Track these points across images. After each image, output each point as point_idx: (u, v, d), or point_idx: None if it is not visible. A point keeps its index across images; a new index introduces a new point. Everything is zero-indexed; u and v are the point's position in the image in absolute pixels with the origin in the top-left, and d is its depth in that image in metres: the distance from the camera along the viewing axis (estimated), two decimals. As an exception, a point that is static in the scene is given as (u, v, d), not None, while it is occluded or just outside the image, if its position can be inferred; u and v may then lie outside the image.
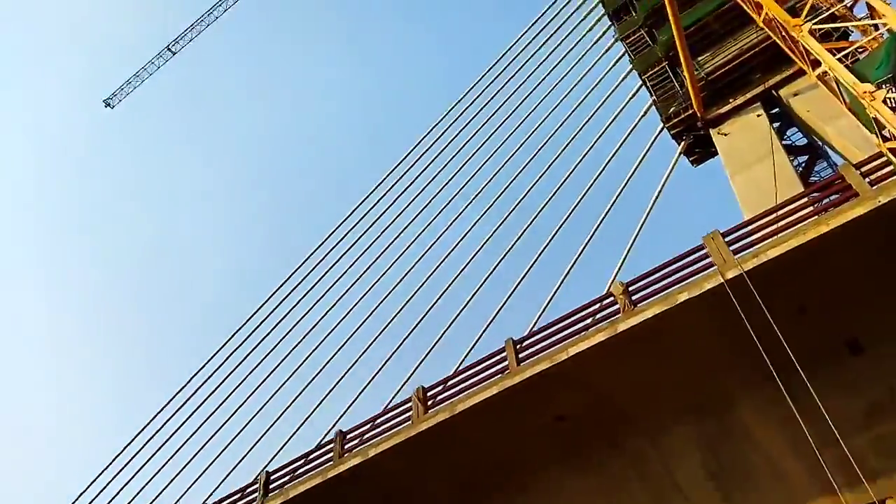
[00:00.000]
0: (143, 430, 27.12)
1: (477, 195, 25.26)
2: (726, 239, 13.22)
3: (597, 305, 14.34)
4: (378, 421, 16.93)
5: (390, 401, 18.20)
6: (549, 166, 24.17)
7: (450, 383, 15.72)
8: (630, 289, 13.72)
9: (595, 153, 23.16)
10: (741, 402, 13.34)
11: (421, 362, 19.65)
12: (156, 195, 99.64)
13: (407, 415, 15.77)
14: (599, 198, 21.23)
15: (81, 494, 26.52)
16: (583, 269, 18.55)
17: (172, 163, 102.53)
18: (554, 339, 14.14)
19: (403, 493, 16.28)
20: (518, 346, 14.63)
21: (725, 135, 23.28)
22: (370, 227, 28.25)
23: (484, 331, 18.49)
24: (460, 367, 16.60)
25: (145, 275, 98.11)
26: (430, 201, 27.12)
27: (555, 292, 17.69)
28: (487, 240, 22.74)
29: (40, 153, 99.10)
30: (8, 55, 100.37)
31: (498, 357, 14.97)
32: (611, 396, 13.86)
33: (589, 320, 14.08)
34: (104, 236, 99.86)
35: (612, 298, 13.93)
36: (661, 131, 24.99)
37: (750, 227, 13.45)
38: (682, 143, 25.07)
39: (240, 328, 27.89)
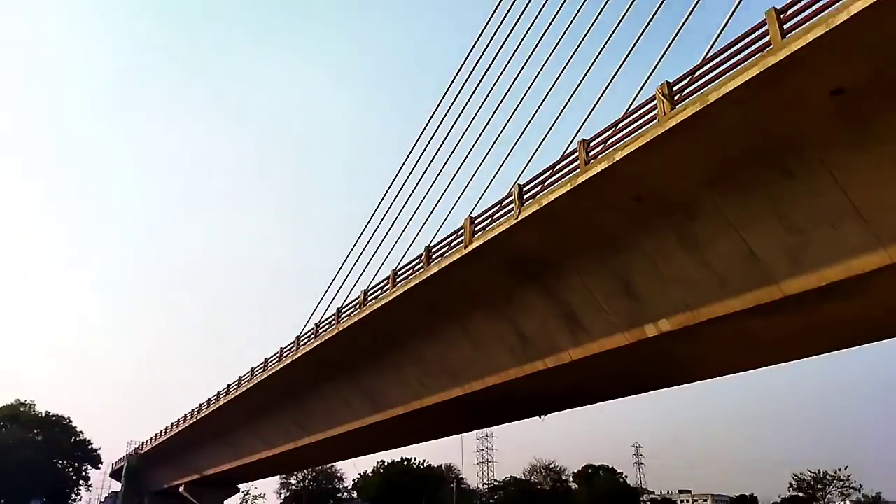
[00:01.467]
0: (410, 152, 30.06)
1: None
2: None
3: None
4: (620, 125, 16.58)
5: (631, 103, 17.35)
6: None
7: (698, 73, 14.39)
8: None
9: None
10: None
11: (665, 53, 17.69)
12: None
13: (652, 114, 15.09)
14: None
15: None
16: None
17: None
18: (829, -1, 11.73)
19: (654, 193, 16.40)
20: (782, 16, 12.50)
21: None
22: None
23: (736, 7, 15.84)
24: (709, 55, 14.87)
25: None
26: None
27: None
28: None
29: None
30: None
31: (756, 34, 13.06)
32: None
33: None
34: None
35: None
36: None
37: None
38: None
39: (475, 41, 27.36)
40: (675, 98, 14.60)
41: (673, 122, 14.17)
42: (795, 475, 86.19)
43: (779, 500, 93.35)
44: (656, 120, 14.82)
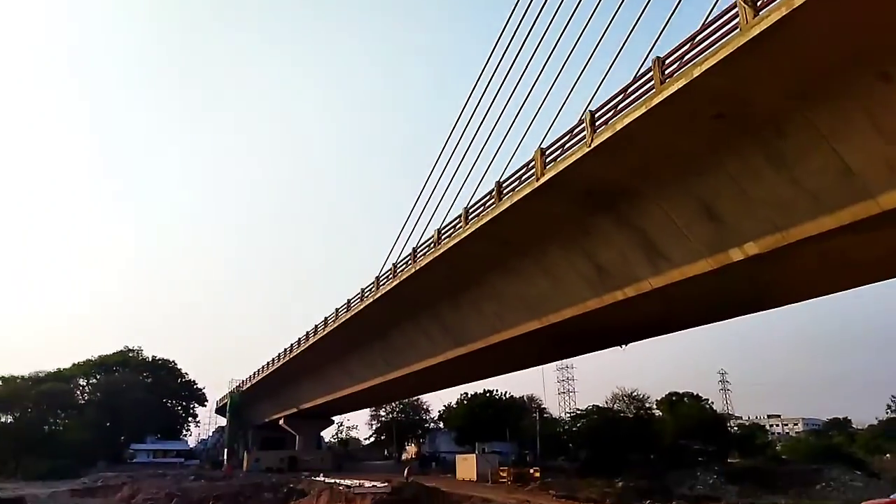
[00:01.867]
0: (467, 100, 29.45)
1: None
2: None
3: None
4: (698, 39, 15.57)
5: (709, 13, 16.19)
6: None
7: (783, -26, 13.19)
8: None
9: None
10: None
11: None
12: None
13: (733, 23, 14.06)
14: None
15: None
16: None
17: None
18: None
19: (737, 109, 15.54)
20: None
21: None
22: None
23: None
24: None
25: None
26: None
27: None
28: None
29: None
30: None
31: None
32: None
33: None
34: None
35: None
36: None
37: None
38: None
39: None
40: (759, 4, 13.51)
41: (757, 31, 13.16)
42: (894, 396, 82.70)
43: (875, 422, 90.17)
44: (738, 29, 13.81)
